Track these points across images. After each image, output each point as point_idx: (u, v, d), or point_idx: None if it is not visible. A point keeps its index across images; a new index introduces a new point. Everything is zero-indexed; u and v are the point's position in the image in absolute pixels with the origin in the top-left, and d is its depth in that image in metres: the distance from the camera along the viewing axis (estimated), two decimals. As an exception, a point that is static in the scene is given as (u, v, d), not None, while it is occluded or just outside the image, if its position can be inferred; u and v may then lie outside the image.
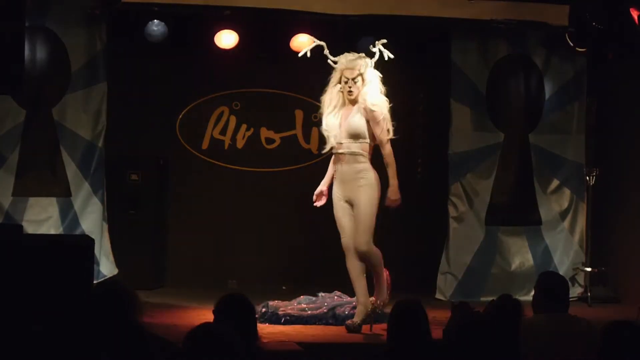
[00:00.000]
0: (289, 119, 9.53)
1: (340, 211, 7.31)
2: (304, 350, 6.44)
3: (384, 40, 7.44)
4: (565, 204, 9.16)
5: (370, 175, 7.23)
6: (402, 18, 8.50)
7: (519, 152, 9.10)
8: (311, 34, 8.58)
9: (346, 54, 7.36)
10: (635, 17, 8.09)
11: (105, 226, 8.58)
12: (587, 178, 8.92)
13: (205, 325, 3.40)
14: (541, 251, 9.07)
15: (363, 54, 7.36)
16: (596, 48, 8.74)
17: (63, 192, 8.48)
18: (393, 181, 7.28)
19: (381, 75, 7.31)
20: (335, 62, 7.32)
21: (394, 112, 9.61)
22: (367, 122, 7.17)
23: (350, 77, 7.18)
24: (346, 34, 8.83)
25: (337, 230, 9.39)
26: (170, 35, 8.48)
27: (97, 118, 8.56)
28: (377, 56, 7.36)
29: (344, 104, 7.27)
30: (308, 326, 7.39)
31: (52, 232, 8.31)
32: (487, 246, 8.96)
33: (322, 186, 7.43)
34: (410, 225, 9.52)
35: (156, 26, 8.44)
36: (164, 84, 9.20)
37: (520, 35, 8.99)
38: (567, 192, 9.16)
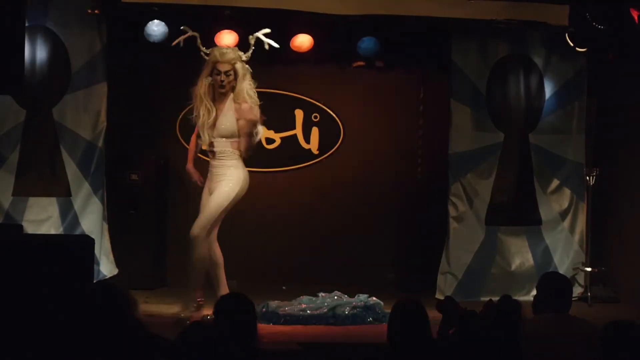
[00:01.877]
0: (289, 119, 9.53)
1: (203, 202, 7.36)
2: (304, 350, 6.45)
3: (267, 30, 7.44)
4: (566, 204, 9.16)
5: (235, 173, 7.27)
6: (402, 18, 8.49)
7: (519, 152, 9.09)
8: (311, 34, 8.61)
9: (219, 46, 7.42)
10: (635, 17, 8.09)
11: (105, 226, 8.58)
12: (587, 178, 8.92)
13: (197, 322, 3.42)
14: (541, 251, 9.07)
15: (236, 48, 7.41)
16: (596, 48, 8.75)
17: (63, 192, 8.48)
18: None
19: (251, 71, 7.35)
20: (207, 54, 7.34)
21: (394, 112, 9.70)
22: (238, 120, 7.21)
23: (222, 70, 7.20)
24: (346, 34, 8.84)
25: (337, 229, 9.46)
26: (170, 35, 8.47)
27: (97, 118, 8.56)
28: (251, 50, 7.39)
29: (214, 99, 7.27)
30: (308, 326, 7.40)
31: (52, 232, 8.31)
32: (487, 246, 8.96)
33: (189, 164, 7.53)
34: (410, 225, 9.53)
35: (156, 26, 8.44)
36: (164, 84, 9.20)
37: (520, 35, 8.99)
38: (567, 192, 9.16)
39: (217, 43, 8.66)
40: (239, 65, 7.25)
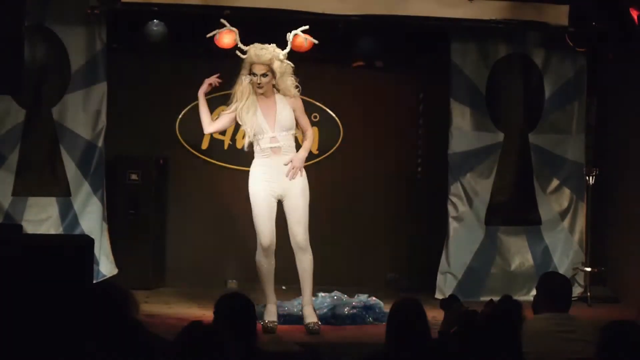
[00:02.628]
0: (289, 119, 9.52)
1: (268, 210, 7.20)
2: (304, 350, 6.45)
3: (305, 27, 7.40)
4: (565, 204, 9.16)
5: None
6: (402, 18, 8.49)
7: (519, 152, 9.09)
8: (311, 34, 8.60)
9: (256, 44, 7.24)
10: (635, 17, 8.09)
11: (105, 226, 8.58)
12: (587, 178, 8.92)
13: (196, 322, 3.42)
14: (541, 251, 9.07)
15: (274, 45, 7.28)
16: (596, 48, 8.75)
17: (63, 192, 8.48)
18: (303, 151, 7.24)
19: (293, 66, 7.30)
20: (244, 53, 7.26)
21: (394, 112, 9.69)
22: (294, 111, 7.21)
23: (259, 72, 7.11)
24: (346, 34, 8.83)
25: (337, 229, 9.43)
26: (170, 35, 8.48)
27: (97, 118, 8.56)
28: (289, 47, 7.34)
29: (256, 96, 7.20)
30: (308, 326, 7.39)
31: (52, 232, 8.31)
32: (487, 246, 8.96)
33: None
34: (410, 225, 9.52)
35: (156, 26, 8.44)
36: (164, 84, 9.19)
37: (520, 35, 8.99)
38: (567, 192, 9.16)
39: (217, 43, 8.67)
40: (276, 65, 7.14)
